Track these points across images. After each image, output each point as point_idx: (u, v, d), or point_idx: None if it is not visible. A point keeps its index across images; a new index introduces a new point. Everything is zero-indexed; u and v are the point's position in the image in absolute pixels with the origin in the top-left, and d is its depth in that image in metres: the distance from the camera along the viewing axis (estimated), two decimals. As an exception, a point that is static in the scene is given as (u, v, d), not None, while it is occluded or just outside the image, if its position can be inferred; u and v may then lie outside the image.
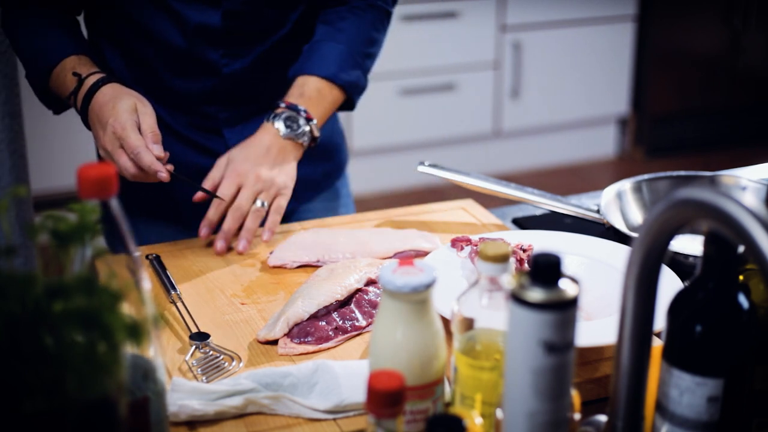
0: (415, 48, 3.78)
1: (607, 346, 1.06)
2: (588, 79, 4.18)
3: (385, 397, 0.74)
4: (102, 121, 1.30)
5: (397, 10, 3.72)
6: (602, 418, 0.90)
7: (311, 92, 1.42)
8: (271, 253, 1.33)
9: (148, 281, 0.81)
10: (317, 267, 1.30)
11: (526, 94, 4.09)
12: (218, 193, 1.35)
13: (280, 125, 1.39)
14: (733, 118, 4.41)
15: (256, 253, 1.35)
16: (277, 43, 1.47)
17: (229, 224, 1.34)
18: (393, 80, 3.78)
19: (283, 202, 1.37)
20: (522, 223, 1.50)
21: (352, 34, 1.47)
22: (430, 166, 1.47)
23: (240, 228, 1.36)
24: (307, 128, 1.40)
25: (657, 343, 0.86)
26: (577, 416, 0.83)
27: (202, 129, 1.50)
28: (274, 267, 1.31)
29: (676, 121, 4.34)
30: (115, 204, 0.77)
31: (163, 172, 1.28)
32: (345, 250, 1.31)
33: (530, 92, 4.09)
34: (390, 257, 1.32)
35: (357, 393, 0.97)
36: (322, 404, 0.97)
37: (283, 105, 1.40)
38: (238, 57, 1.45)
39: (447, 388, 0.93)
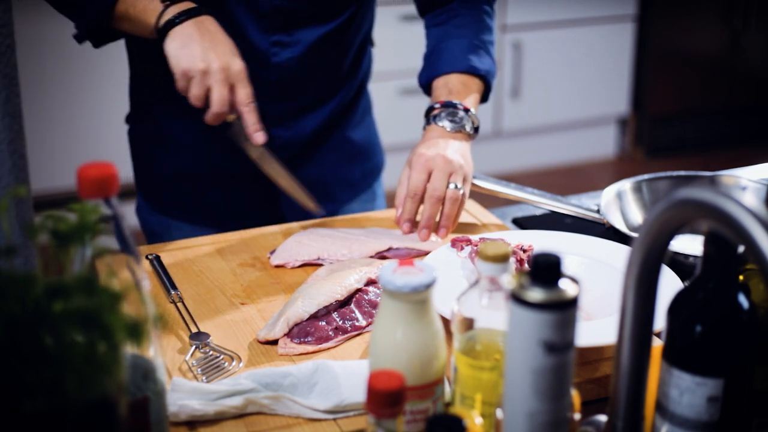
0: (415, 48, 3.76)
1: (607, 346, 1.06)
2: (588, 79, 4.18)
3: (385, 397, 0.74)
4: (217, 41, 1.28)
5: (397, 10, 3.72)
6: (602, 418, 0.90)
7: (458, 87, 1.44)
8: (272, 252, 1.33)
9: (148, 281, 0.81)
10: (318, 266, 1.30)
11: (526, 94, 4.09)
12: (411, 185, 1.34)
13: (443, 123, 1.40)
14: (733, 118, 4.41)
15: (256, 254, 1.35)
16: (327, 36, 1.47)
17: (428, 211, 1.34)
18: (393, 80, 3.78)
19: (468, 188, 1.37)
20: (522, 223, 1.50)
21: (468, 27, 1.49)
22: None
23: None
24: (467, 118, 1.42)
25: (657, 343, 0.86)
26: (577, 416, 0.83)
27: None
28: (275, 266, 1.31)
29: (676, 121, 4.34)
30: (115, 203, 0.77)
31: (263, 135, 1.32)
32: (345, 247, 1.31)
33: (530, 92, 4.09)
34: (385, 251, 1.32)
35: (357, 393, 0.97)
36: (322, 404, 0.97)
37: (437, 105, 1.42)
38: (287, 46, 1.44)
39: (447, 388, 0.93)
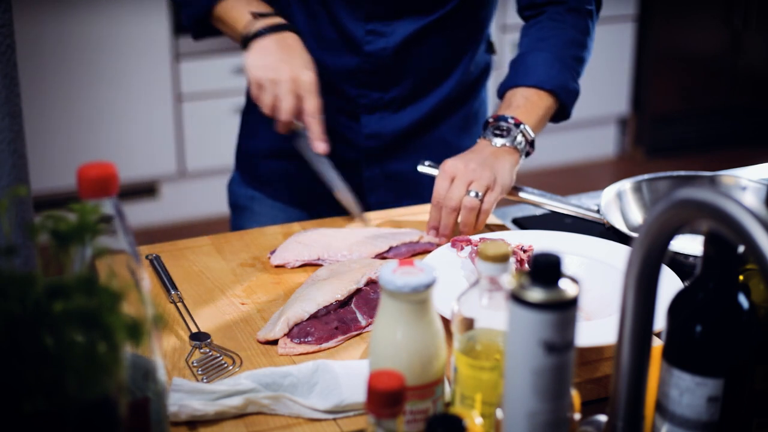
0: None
1: (607, 346, 1.06)
2: (588, 79, 4.15)
3: (385, 397, 0.75)
4: (293, 54, 1.36)
5: (397, 10, 3.72)
6: (602, 418, 0.90)
7: (518, 101, 1.41)
8: (272, 252, 1.33)
9: (148, 281, 0.81)
10: (318, 266, 1.30)
11: (526, 94, 4.08)
12: (434, 193, 1.33)
13: (490, 137, 1.37)
14: (733, 118, 4.41)
15: (256, 254, 1.35)
16: (423, 29, 1.47)
17: (444, 220, 1.32)
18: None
19: (492, 198, 1.32)
20: (522, 223, 1.50)
21: (555, 40, 1.47)
22: (430, 166, 1.47)
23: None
24: (518, 133, 1.37)
25: (657, 343, 0.86)
26: (577, 416, 0.83)
27: (341, 112, 1.51)
28: (275, 266, 1.31)
29: (676, 121, 4.34)
30: (116, 203, 0.77)
31: (325, 144, 1.38)
32: (345, 247, 1.32)
33: (530, 92, 4.09)
34: (386, 251, 1.32)
35: (357, 393, 0.97)
36: (322, 404, 0.97)
37: (491, 119, 1.40)
38: (382, 36, 1.45)
39: (447, 388, 0.93)
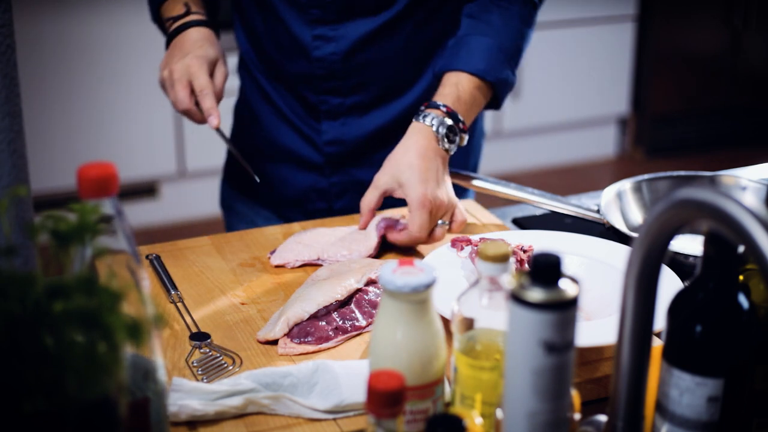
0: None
1: (607, 346, 1.06)
2: (588, 79, 4.18)
3: (385, 397, 0.74)
4: (184, 50, 1.39)
5: (397, 10, 3.72)
6: (602, 418, 0.90)
7: (467, 95, 1.36)
8: (272, 252, 1.33)
9: (148, 281, 0.81)
10: (318, 266, 1.30)
11: (526, 94, 4.09)
12: (413, 225, 1.29)
13: (442, 134, 1.33)
14: (733, 118, 4.41)
15: (256, 254, 1.35)
16: (373, 32, 1.43)
17: (406, 242, 1.31)
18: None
19: (461, 218, 1.34)
20: (522, 223, 1.50)
21: (499, 27, 1.40)
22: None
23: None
24: (462, 141, 1.35)
25: (657, 343, 0.86)
26: (577, 416, 0.83)
27: (305, 117, 1.51)
28: (275, 266, 1.31)
29: (676, 121, 4.34)
30: (115, 203, 0.77)
31: (216, 118, 1.37)
32: (344, 247, 1.31)
33: (530, 92, 4.09)
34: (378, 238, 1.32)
35: (357, 393, 0.97)
36: (322, 404, 0.97)
37: (443, 109, 1.33)
38: (330, 40, 1.43)
39: (447, 388, 0.93)
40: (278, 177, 1.57)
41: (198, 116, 1.40)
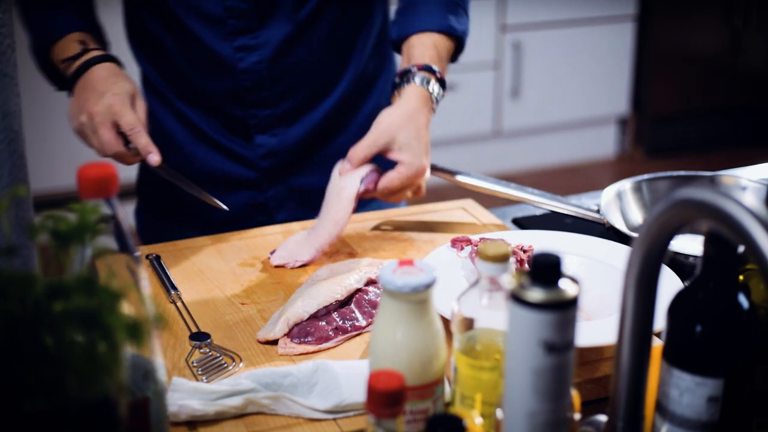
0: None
1: (607, 346, 1.06)
2: (588, 79, 4.18)
3: (385, 397, 0.74)
4: (97, 90, 1.29)
5: (397, 10, 3.72)
6: (602, 418, 0.90)
7: (444, 53, 1.37)
8: (272, 252, 1.33)
9: (148, 281, 0.81)
10: (318, 266, 1.30)
11: (526, 94, 4.09)
12: (391, 185, 1.28)
13: (437, 96, 1.33)
14: (733, 118, 4.41)
15: (256, 254, 1.35)
16: (294, 33, 1.41)
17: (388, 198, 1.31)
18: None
19: (424, 191, 1.34)
20: (522, 223, 1.50)
21: None
22: (430, 165, 1.47)
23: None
24: (438, 89, 1.35)
25: (657, 343, 0.86)
26: (577, 416, 0.83)
27: (233, 134, 1.46)
28: (275, 266, 1.30)
29: (676, 121, 4.34)
30: (115, 203, 0.77)
31: (156, 155, 1.29)
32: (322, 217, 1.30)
33: (530, 92, 4.09)
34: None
35: (357, 393, 0.97)
36: (322, 404, 0.97)
37: (438, 74, 1.33)
38: (253, 50, 1.40)
39: (447, 388, 0.93)
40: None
41: (129, 157, 1.31)
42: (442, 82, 1.35)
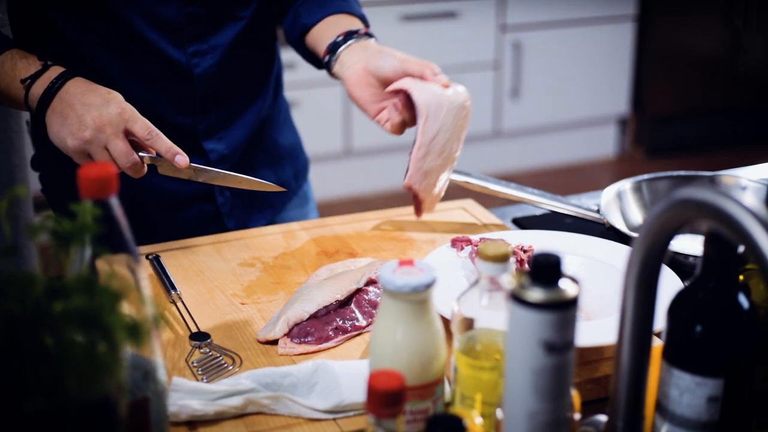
0: (415, 48, 3.78)
1: (607, 346, 1.06)
2: (588, 79, 4.18)
3: (385, 397, 0.74)
4: (92, 102, 1.20)
5: (397, 10, 3.73)
6: (602, 418, 0.90)
7: (349, 23, 1.41)
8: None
9: (148, 281, 0.81)
10: (318, 266, 1.30)
11: (526, 94, 4.09)
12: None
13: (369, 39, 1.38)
14: (733, 118, 4.41)
15: (256, 254, 1.35)
16: (240, 36, 1.42)
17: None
18: (393, 80, 3.78)
19: None
20: (522, 223, 1.50)
21: None
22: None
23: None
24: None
25: (657, 343, 0.86)
26: (577, 416, 0.83)
27: (181, 146, 1.32)
28: (276, 266, 1.30)
29: (676, 121, 4.34)
30: (115, 203, 0.77)
31: (184, 156, 1.23)
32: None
33: (530, 92, 4.09)
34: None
35: (357, 393, 0.97)
36: (322, 404, 0.97)
37: (361, 32, 1.37)
38: (206, 54, 1.40)
39: (447, 388, 0.93)
40: (154, 220, 1.47)
41: (141, 166, 1.23)
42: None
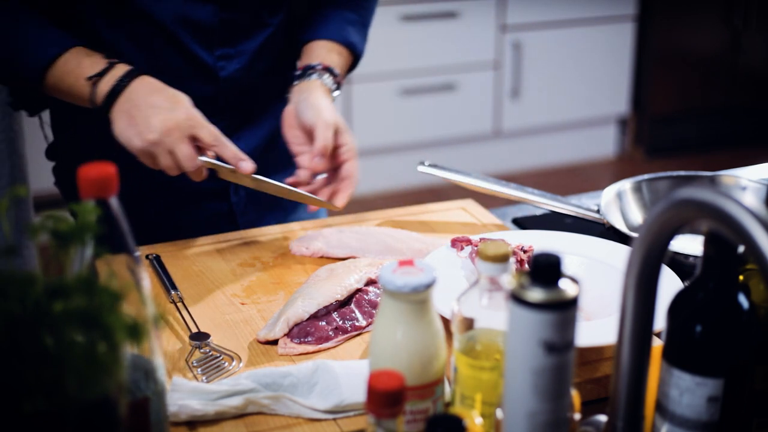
0: (415, 48, 3.78)
1: (607, 346, 1.06)
2: (588, 79, 4.18)
3: (385, 397, 0.74)
4: (159, 105, 1.22)
5: (397, 10, 3.73)
6: (602, 418, 0.90)
7: (343, 62, 1.46)
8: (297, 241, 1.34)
9: (148, 281, 0.81)
10: (335, 260, 1.30)
11: (526, 94, 4.09)
12: (322, 144, 1.32)
13: (328, 83, 1.42)
14: (733, 118, 4.41)
15: (256, 254, 1.35)
16: (265, 42, 1.45)
17: (320, 165, 1.35)
18: (393, 80, 3.78)
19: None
20: (522, 223, 1.50)
21: (347, 8, 1.52)
22: (430, 166, 1.47)
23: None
24: (337, 93, 1.45)
25: (657, 343, 0.86)
26: (577, 416, 0.83)
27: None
28: (276, 266, 1.30)
29: (676, 121, 4.34)
30: (115, 203, 0.77)
31: (250, 162, 1.26)
32: (376, 249, 1.33)
33: (530, 92, 4.09)
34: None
35: (357, 393, 0.97)
36: (322, 404, 0.97)
37: (320, 66, 1.42)
38: (233, 58, 1.43)
39: (447, 388, 0.93)
40: (168, 217, 1.49)
41: (202, 173, 1.26)
42: (338, 85, 1.45)
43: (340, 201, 1.34)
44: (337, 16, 1.50)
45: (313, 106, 1.36)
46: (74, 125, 1.46)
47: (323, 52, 1.46)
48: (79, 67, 1.26)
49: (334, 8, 1.51)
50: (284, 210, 1.59)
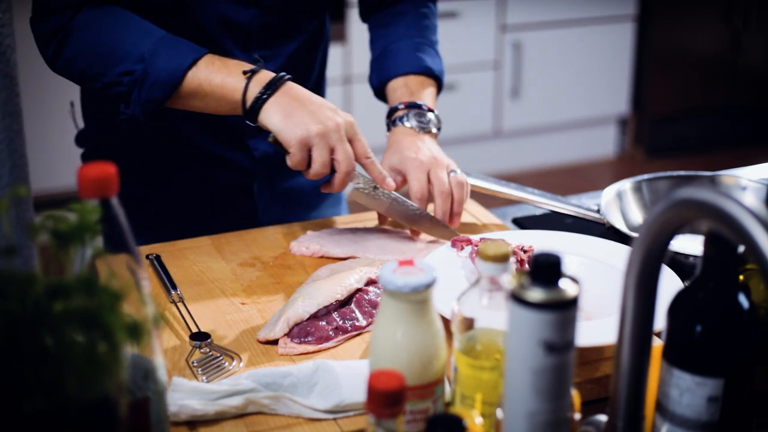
0: (415, 48, 3.78)
1: (607, 346, 1.06)
2: (588, 79, 4.18)
3: (385, 397, 0.75)
4: (320, 103, 1.25)
5: (397, 10, 3.73)
6: (602, 418, 0.90)
7: (417, 88, 1.47)
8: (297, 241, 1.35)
9: (148, 281, 0.81)
10: (335, 260, 1.30)
11: (526, 94, 4.09)
12: (413, 188, 1.35)
13: (411, 123, 1.43)
14: (733, 118, 4.41)
15: (256, 254, 1.35)
16: (299, 47, 1.48)
17: (442, 207, 1.35)
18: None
19: (462, 179, 1.38)
20: (522, 223, 1.50)
21: (414, 28, 1.53)
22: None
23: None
24: (433, 118, 1.45)
25: (657, 343, 0.86)
26: (577, 416, 0.83)
27: (226, 143, 1.48)
28: (276, 266, 1.31)
29: (676, 121, 4.34)
30: (115, 203, 0.77)
31: (392, 180, 1.32)
32: (376, 249, 1.34)
33: (530, 92, 4.09)
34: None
35: (357, 393, 0.97)
36: (322, 404, 0.97)
37: (401, 106, 1.44)
38: (269, 60, 1.44)
39: (447, 388, 0.93)
40: (191, 212, 1.51)
41: (318, 175, 1.27)
42: (430, 111, 1.46)
43: (455, 222, 1.37)
44: (405, 45, 1.51)
45: (401, 153, 1.39)
46: (106, 112, 1.47)
47: (403, 92, 1.47)
48: (226, 66, 1.29)
49: (400, 37, 1.52)
50: (308, 208, 1.60)
